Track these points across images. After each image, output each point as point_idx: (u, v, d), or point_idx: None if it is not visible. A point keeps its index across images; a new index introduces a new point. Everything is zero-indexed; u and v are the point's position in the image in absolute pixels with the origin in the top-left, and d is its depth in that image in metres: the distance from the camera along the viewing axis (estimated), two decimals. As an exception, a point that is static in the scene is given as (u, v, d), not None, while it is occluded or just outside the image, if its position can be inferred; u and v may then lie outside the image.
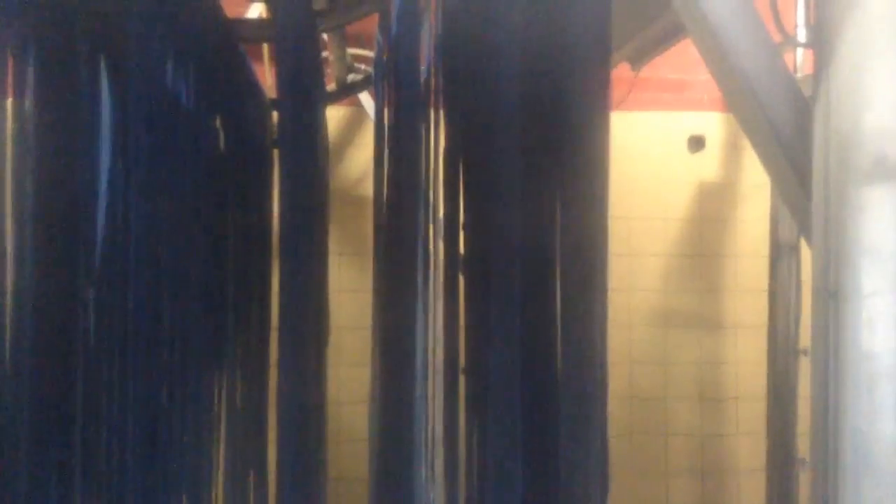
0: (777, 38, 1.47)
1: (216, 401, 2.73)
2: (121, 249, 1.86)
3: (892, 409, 1.21)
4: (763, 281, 4.58)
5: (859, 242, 1.21)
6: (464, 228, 1.96)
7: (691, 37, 1.42)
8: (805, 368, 4.13)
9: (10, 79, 1.61)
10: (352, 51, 4.26)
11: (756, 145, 1.35)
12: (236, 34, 2.81)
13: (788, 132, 1.29)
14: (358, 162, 4.83)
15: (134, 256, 1.87)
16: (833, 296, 1.22)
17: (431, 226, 2.49)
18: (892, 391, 1.21)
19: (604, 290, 1.78)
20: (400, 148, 2.10)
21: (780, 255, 4.35)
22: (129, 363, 1.87)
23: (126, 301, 1.87)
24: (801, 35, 1.83)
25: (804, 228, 1.32)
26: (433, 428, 2.39)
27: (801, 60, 4.14)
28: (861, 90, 1.20)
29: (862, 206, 1.21)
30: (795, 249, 4.27)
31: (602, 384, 1.78)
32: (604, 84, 1.79)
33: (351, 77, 4.31)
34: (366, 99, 4.56)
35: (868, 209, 1.20)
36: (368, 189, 4.03)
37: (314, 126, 2.36)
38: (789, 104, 1.31)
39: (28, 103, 1.67)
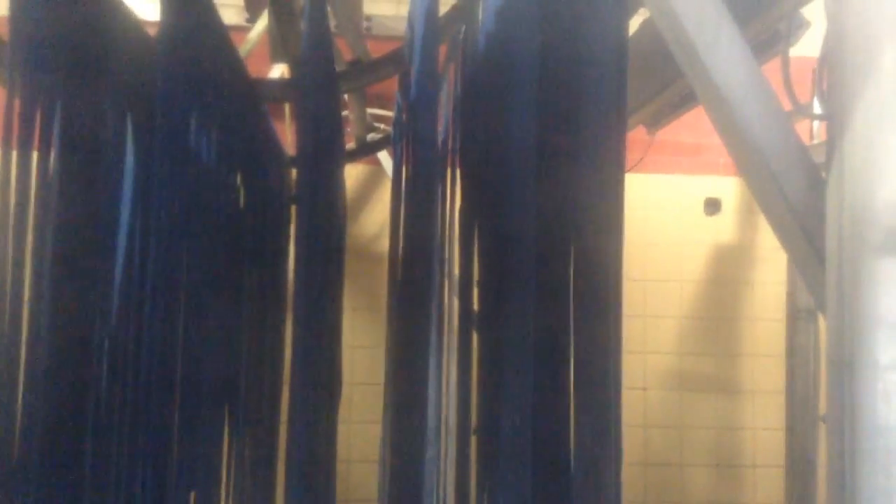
0: (789, 107, 1.48)
1: (225, 457, 2.71)
2: (137, 305, 1.88)
3: (909, 485, 1.18)
4: (780, 345, 4.53)
5: (874, 314, 1.19)
6: (478, 287, 1.96)
7: (703, 105, 1.43)
8: (825, 436, 4.06)
9: (37, 132, 1.65)
10: (372, 111, 4.34)
11: (768, 214, 1.36)
12: (259, 93, 2.88)
13: (801, 202, 1.30)
14: (375, 218, 4.87)
15: (150, 312, 1.88)
16: (848, 367, 1.20)
17: (447, 282, 2.49)
18: (910, 467, 1.18)
19: (618, 354, 1.76)
20: (416, 205, 2.11)
21: (798, 319, 4.31)
22: (140, 419, 1.86)
23: (140, 357, 1.87)
24: (817, 106, 1.84)
25: (818, 298, 1.31)
26: (444, 490, 2.36)
27: (817, 128, 4.17)
28: (874, 163, 1.20)
29: (876, 278, 1.20)
30: (813, 314, 4.22)
31: (616, 451, 1.75)
32: (619, 147, 1.81)
33: (370, 136, 4.38)
34: (384, 157, 4.63)
35: (882, 281, 1.19)
36: (384, 246, 4.06)
37: (332, 184, 2.40)
38: (802, 174, 1.31)
39: (53, 157, 1.70)
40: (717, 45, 1.34)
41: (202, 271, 2.18)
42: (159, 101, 1.90)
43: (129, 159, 1.93)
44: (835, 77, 1.28)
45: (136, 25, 2.02)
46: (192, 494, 2.25)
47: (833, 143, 1.26)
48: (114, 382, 1.85)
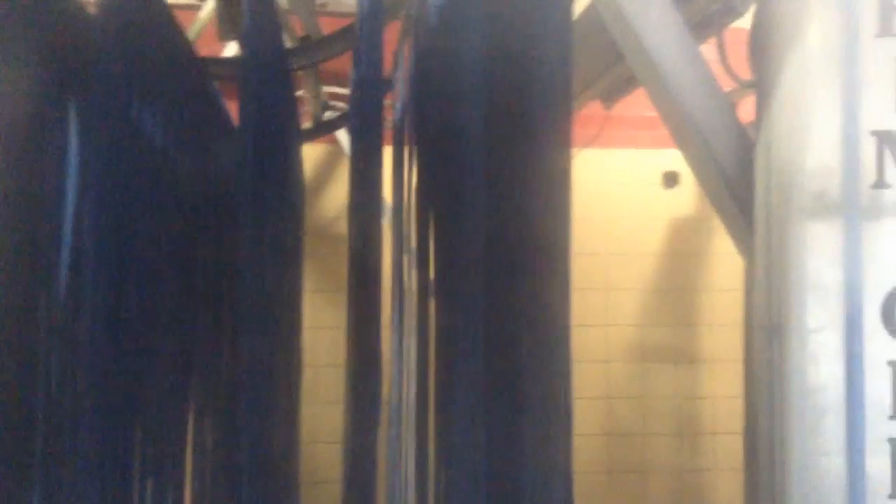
0: (727, 83, 1.51)
1: (184, 441, 2.69)
2: (85, 286, 1.85)
3: (838, 444, 1.21)
4: (737, 315, 4.60)
5: (802, 278, 1.22)
6: (433, 259, 1.97)
7: (641, 81, 1.45)
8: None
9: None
10: (328, 89, 4.29)
11: (703, 184, 1.37)
12: (210, 72, 2.83)
13: (733, 171, 1.32)
14: (335, 199, 4.84)
15: (99, 294, 1.86)
16: (777, 330, 1.23)
17: (406, 258, 2.49)
18: (838, 426, 1.21)
19: (567, 324, 1.78)
20: (363, 184, 2.11)
21: (754, 288, 4.38)
22: (91, 404, 1.85)
23: (90, 340, 1.85)
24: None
25: (749, 265, 1.34)
26: (407, 465, 2.37)
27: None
28: (801, 129, 1.22)
29: (804, 242, 1.23)
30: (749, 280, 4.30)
31: (567, 418, 1.77)
32: (566, 122, 1.82)
33: (328, 115, 4.34)
34: (342, 136, 4.59)
35: (810, 246, 1.22)
36: (344, 226, 4.03)
37: (284, 163, 2.38)
38: (734, 145, 1.33)
39: (-7, 140, 1.67)
40: (651, 21, 1.35)
41: (153, 253, 2.15)
42: (101, 81, 1.86)
43: (73, 140, 1.90)
44: (763, 49, 1.30)
45: (77, 3, 1.98)
46: (150, 482, 2.24)
47: (762, 112, 1.29)
48: (66, 369, 1.83)
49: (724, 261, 4.98)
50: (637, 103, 4.60)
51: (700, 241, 5.06)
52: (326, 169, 4.90)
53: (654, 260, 5.03)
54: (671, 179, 5.04)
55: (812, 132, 1.22)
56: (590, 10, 2.92)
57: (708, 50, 1.71)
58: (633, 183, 5.04)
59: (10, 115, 1.71)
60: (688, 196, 5.08)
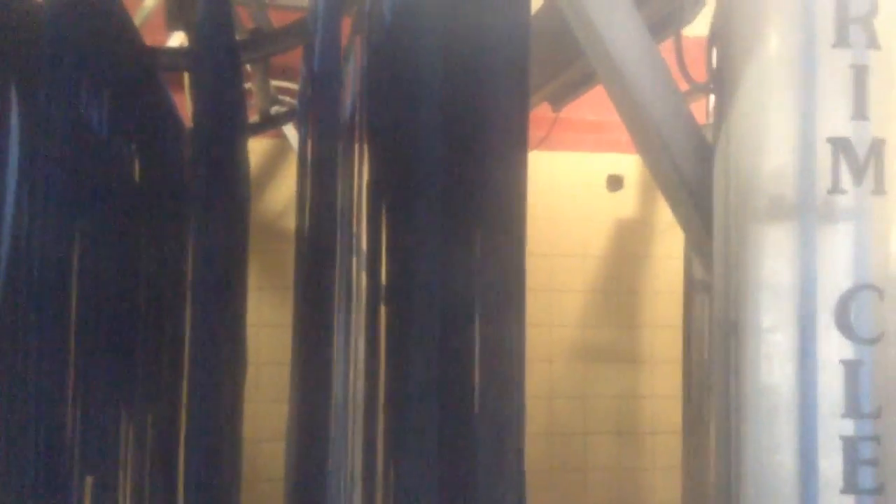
0: (684, 85, 1.54)
1: (124, 439, 2.62)
2: (25, 279, 1.79)
3: (789, 441, 1.25)
4: (678, 316, 4.71)
5: (758, 279, 1.26)
6: (385, 262, 1.96)
7: (601, 81, 1.47)
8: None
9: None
10: (276, 83, 4.24)
11: (661, 186, 1.41)
12: (155, 62, 2.76)
13: (691, 174, 1.35)
14: (281, 195, 4.78)
15: (38, 286, 1.80)
16: (733, 330, 1.27)
17: (355, 258, 2.47)
18: (790, 424, 1.25)
19: (521, 324, 1.79)
20: (320, 180, 2.09)
21: (694, 290, 4.48)
22: (30, 402, 1.79)
23: (28, 334, 1.79)
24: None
25: (707, 265, 1.37)
26: (353, 465, 2.36)
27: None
28: (758, 133, 1.26)
29: (761, 244, 1.26)
30: (709, 286, 4.40)
31: (519, 418, 1.79)
32: (521, 122, 1.83)
33: (275, 109, 4.28)
34: (290, 131, 4.53)
35: (767, 247, 1.26)
36: (291, 222, 3.98)
37: (232, 157, 2.33)
38: (692, 148, 1.36)
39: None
40: (614, 22, 1.37)
41: (94, 246, 2.09)
42: (45, 68, 1.80)
43: (14, 130, 1.84)
44: (722, 53, 1.34)
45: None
46: (90, 480, 2.18)
47: (720, 116, 1.32)
48: (1, 369, 1.77)
49: (665, 264, 5.10)
50: (584, 107, 4.67)
51: (642, 244, 5.16)
52: (272, 163, 4.84)
53: (598, 262, 5.11)
54: (615, 183, 5.14)
55: (769, 137, 1.26)
56: (543, 13, 2.95)
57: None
58: (578, 185, 5.11)
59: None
60: (631, 199, 5.17)
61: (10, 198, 1.82)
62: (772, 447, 1.26)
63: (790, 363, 1.26)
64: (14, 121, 1.84)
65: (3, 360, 1.78)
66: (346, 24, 2.50)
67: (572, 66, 3.18)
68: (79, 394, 2.00)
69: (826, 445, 1.25)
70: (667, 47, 1.93)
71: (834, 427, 1.26)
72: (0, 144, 1.79)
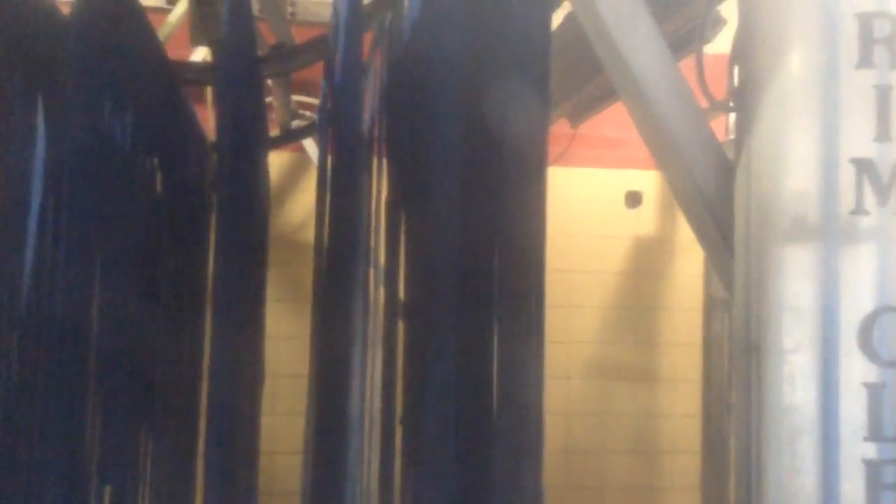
0: (705, 103, 1.54)
1: (142, 451, 2.63)
2: (49, 290, 1.81)
3: (812, 463, 1.24)
4: (697, 335, 4.67)
5: (780, 300, 1.25)
6: (404, 276, 1.96)
7: (622, 99, 1.47)
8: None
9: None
10: (297, 97, 4.27)
11: (682, 205, 1.40)
12: (179, 77, 2.80)
13: (712, 192, 1.34)
14: (300, 207, 4.80)
15: (62, 298, 1.81)
16: (755, 351, 1.25)
17: (373, 271, 2.48)
18: (813, 446, 1.24)
19: (541, 342, 1.79)
20: (341, 194, 2.10)
21: (714, 308, 4.45)
22: (51, 414, 1.80)
23: (52, 350, 1.80)
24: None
25: (728, 285, 1.36)
26: (369, 479, 2.35)
27: (733, 124, 4.30)
28: (780, 154, 1.25)
29: (783, 265, 1.25)
30: (729, 304, 4.37)
31: (538, 436, 1.77)
32: (542, 138, 1.83)
33: (295, 123, 4.31)
34: (310, 145, 4.56)
35: (789, 268, 1.25)
36: (310, 235, 4.00)
37: (253, 170, 2.35)
38: (713, 166, 1.36)
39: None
40: (635, 40, 1.38)
41: (117, 258, 2.11)
42: (71, 83, 1.83)
43: (40, 142, 1.86)
44: (744, 73, 1.33)
45: (49, 4, 1.95)
46: (108, 490, 2.18)
47: (742, 135, 1.31)
48: (24, 377, 1.79)
49: (684, 281, 5.06)
50: (602, 123, 4.67)
51: (661, 260, 5.13)
52: (292, 177, 4.87)
53: (616, 278, 5.08)
54: (634, 199, 5.11)
55: (792, 157, 1.26)
56: (563, 29, 2.96)
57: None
58: (596, 201, 5.09)
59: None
60: (650, 216, 5.15)
61: (35, 209, 1.84)
62: (793, 469, 1.24)
63: (812, 385, 1.24)
64: (40, 134, 1.87)
65: (26, 373, 1.79)
66: (366, 40, 2.52)
67: (592, 82, 3.18)
68: (99, 406, 2.02)
69: (848, 469, 1.23)
70: (687, 64, 1.93)
71: (856, 450, 1.24)
72: (27, 157, 1.81)
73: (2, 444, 1.72)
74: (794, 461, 1.25)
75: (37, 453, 1.79)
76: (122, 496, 2.28)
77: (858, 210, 1.25)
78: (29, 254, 1.78)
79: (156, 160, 2.55)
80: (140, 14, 2.29)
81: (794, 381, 1.25)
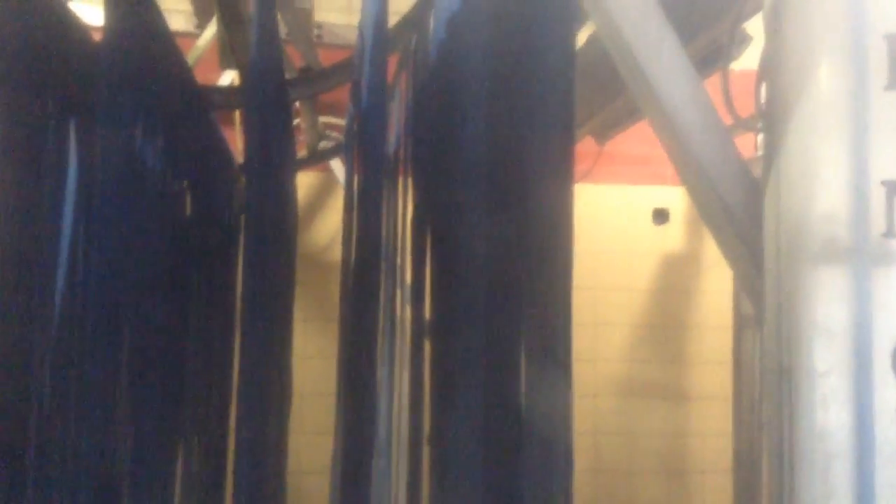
0: (729, 121, 1.53)
1: (174, 468, 2.65)
2: (80, 312, 1.84)
3: (846, 489, 1.21)
4: (727, 352, 4.62)
5: (812, 322, 1.23)
6: (430, 295, 1.96)
7: (647, 117, 1.46)
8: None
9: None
10: (324, 119, 4.31)
11: (709, 224, 1.39)
12: (207, 100, 2.84)
13: (740, 212, 1.33)
14: (327, 227, 4.84)
15: (93, 319, 1.84)
16: (787, 373, 1.24)
17: (399, 291, 2.48)
18: (847, 471, 1.21)
19: (568, 361, 1.77)
20: (366, 214, 2.11)
21: (744, 326, 4.40)
22: (84, 431, 1.82)
23: (83, 366, 1.83)
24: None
25: (757, 306, 1.34)
26: (397, 499, 2.35)
27: (761, 140, 4.27)
28: (809, 175, 1.24)
29: (813, 287, 1.24)
30: (759, 322, 4.31)
31: (567, 457, 1.76)
32: (567, 156, 1.82)
33: (322, 144, 4.35)
34: (336, 165, 4.60)
35: (820, 290, 1.23)
36: (337, 254, 4.02)
37: (281, 191, 2.38)
38: (740, 185, 1.35)
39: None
40: (659, 59, 1.37)
41: (147, 281, 2.14)
42: (103, 107, 1.86)
43: (72, 167, 1.89)
44: (772, 91, 1.32)
45: (80, 30, 1.99)
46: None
47: (770, 155, 1.30)
48: (56, 396, 1.81)
49: (713, 298, 5.01)
50: (629, 140, 4.65)
51: (689, 277, 5.08)
52: (319, 197, 4.91)
53: (643, 296, 5.05)
54: (661, 216, 5.08)
55: (821, 178, 1.24)
56: (587, 48, 2.96)
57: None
58: (623, 218, 5.07)
59: (10, 142, 1.71)
60: (677, 233, 5.11)
61: (67, 230, 1.87)
62: (827, 494, 1.22)
63: (846, 408, 1.22)
64: (73, 158, 1.90)
65: (58, 388, 1.82)
66: (392, 62, 2.54)
67: (617, 99, 3.17)
68: (130, 426, 2.04)
69: (883, 494, 1.20)
70: (712, 81, 1.92)
71: (891, 475, 1.21)
72: (59, 181, 1.84)
73: (35, 458, 1.74)
74: (826, 486, 1.23)
75: (67, 473, 1.81)
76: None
77: (889, 233, 1.23)
78: (60, 276, 1.81)
79: (186, 183, 2.58)
80: (170, 39, 2.33)
81: (827, 405, 1.23)
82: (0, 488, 1.63)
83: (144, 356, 2.13)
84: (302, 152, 4.23)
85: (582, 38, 3.10)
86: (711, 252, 5.05)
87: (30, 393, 1.74)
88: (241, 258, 2.10)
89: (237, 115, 4.23)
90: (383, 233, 2.19)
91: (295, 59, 3.58)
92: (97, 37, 1.98)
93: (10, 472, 1.66)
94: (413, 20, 2.37)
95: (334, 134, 4.49)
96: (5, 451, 1.65)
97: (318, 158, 4.26)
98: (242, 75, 3.02)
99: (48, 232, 1.80)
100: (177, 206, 2.54)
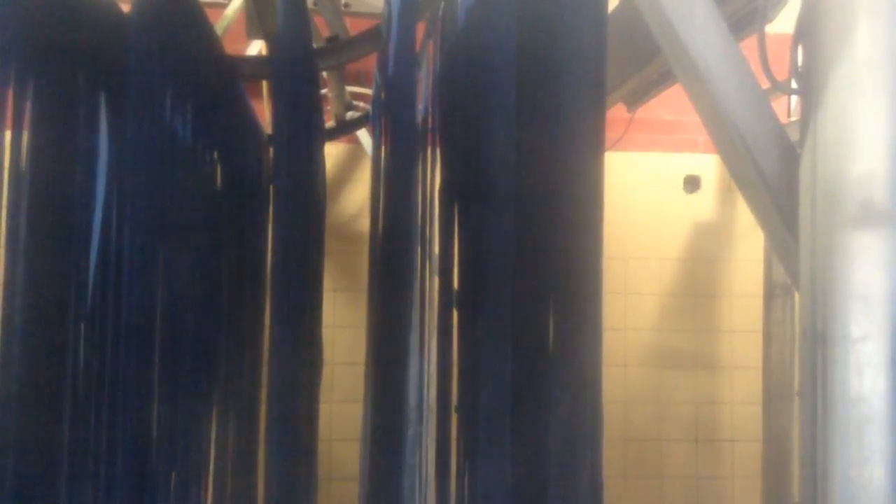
0: (766, 84, 1.49)
1: (206, 438, 2.70)
2: (113, 284, 1.86)
3: (881, 454, 1.20)
4: (758, 321, 4.58)
5: (847, 287, 1.21)
6: (458, 265, 1.96)
7: (681, 82, 1.44)
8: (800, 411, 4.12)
9: (8, 111, 1.62)
10: (351, 89, 4.30)
11: (744, 190, 1.37)
12: (236, 71, 2.84)
13: (776, 177, 1.31)
14: (355, 198, 4.85)
15: (127, 291, 1.87)
16: (821, 340, 1.22)
17: (427, 261, 2.49)
18: (882, 437, 1.20)
19: (598, 329, 1.77)
20: (395, 185, 2.11)
21: (775, 295, 4.35)
22: (118, 400, 1.86)
23: (117, 337, 1.86)
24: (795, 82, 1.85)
25: (792, 272, 1.32)
26: (426, 467, 2.37)
27: (794, 105, 4.19)
28: (847, 136, 1.21)
29: (849, 250, 1.21)
30: (790, 290, 4.27)
31: (596, 425, 1.76)
32: (599, 123, 1.80)
33: (349, 114, 4.35)
34: (364, 136, 4.60)
35: (856, 254, 1.21)
36: (365, 225, 4.04)
37: (310, 163, 2.38)
38: (776, 150, 1.32)
39: (26, 136, 1.68)
40: (694, 21, 1.34)
41: (179, 251, 2.16)
42: (133, 79, 1.87)
43: (103, 137, 1.91)
44: (809, 53, 1.29)
45: (109, 2, 1.99)
46: (173, 475, 2.25)
47: (807, 117, 1.27)
48: (92, 364, 1.84)
49: (744, 267, 4.96)
50: (660, 107, 4.59)
51: (720, 246, 5.03)
52: (347, 167, 4.92)
53: (674, 264, 5.01)
54: (692, 183, 5.02)
55: (859, 140, 1.21)
56: (619, 11, 2.91)
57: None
58: (653, 186, 5.02)
59: (40, 115, 1.72)
60: (709, 201, 5.05)
61: (99, 203, 1.89)
62: (861, 460, 1.21)
63: (881, 374, 1.20)
64: (103, 129, 1.92)
65: (92, 360, 1.85)
66: (420, 30, 2.52)
67: (648, 65, 3.12)
68: (164, 392, 2.07)
69: (919, 460, 1.19)
70: (747, 45, 1.88)
71: (928, 441, 1.20)
72: (91, 153, 1.86)
73: (69, 430, 1.78)
74: (861, 452, 1.21)
75: (103, 441, 1.84)
76: (186, 480, 2.35)
77: (928, 194, 1.20)
78: (94, 249, 1.84)
79: (216, 154, 2.60)
80: (198, 9, 2.33)
81: (863, 371, 1.21)
82: (37, 454, 1.67)
83: (177, 327, 2.16)
84: (330, 122, 4.23)
85: (613, 1, 3.05)
86: (743, 220, 4.99)
87: (66, 355, 1.78)
88: (271, 229, 2.11)
89: (265, 85, 4.24)
90: (411, 203, 2.19)
91: (322, 28, 3.56)
92: (126, 8, 1.98)
93: (45, 437, 1.70)
94: (440, -14, 2.34)
95: (361, 104, 4.49)
96: (42, 418, 1.69)
97: (345, 129, 4.25)
98: (269, 45, 3.02)
99: (81, 205, 1.82)
100: (208, 177, 2.56)
